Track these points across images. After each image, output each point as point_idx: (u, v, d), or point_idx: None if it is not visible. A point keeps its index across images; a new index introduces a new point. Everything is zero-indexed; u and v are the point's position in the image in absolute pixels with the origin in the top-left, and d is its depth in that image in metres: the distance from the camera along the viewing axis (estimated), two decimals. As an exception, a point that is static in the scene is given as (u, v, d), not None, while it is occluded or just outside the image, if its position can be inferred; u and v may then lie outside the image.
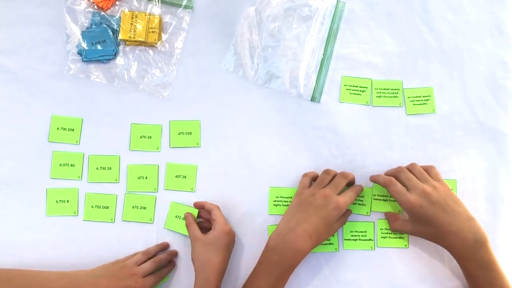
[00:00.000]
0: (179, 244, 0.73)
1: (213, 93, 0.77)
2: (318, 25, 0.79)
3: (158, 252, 0.72)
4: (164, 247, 0.73)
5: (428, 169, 0.70)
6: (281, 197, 0.74)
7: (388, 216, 0.73)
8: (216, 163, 0.75)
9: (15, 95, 0.76)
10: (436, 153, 0.75)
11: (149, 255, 0.71)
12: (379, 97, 0.77)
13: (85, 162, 0.75)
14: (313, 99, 0.77)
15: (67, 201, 0.73)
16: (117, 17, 0.78)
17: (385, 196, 0.74)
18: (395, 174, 0.69)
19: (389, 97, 0.77)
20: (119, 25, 0.77)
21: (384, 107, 0.77)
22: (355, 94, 0.77)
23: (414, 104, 0.77)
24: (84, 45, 0.76)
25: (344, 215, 0.70)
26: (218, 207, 0.72)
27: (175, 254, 0.73)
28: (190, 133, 0.76)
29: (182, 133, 0.76)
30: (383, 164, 0.75)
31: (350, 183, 0.72)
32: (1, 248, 0.72)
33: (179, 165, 0.75)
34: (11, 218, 0.73)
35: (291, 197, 0.73)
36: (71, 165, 0.74)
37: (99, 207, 0.73)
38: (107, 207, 0.73)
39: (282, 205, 0.74)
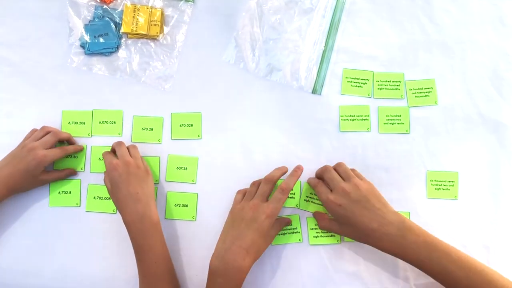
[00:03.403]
0: (182, 234, 0.73)
1: (214, 85, 0.77)
2: (319, 17, 0.79)
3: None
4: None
5: (352, 170, 0.70)
6: (281, 189, 0.74)
7: (316, 215, 0.72)
8: (217, 155, 0.75)
9: (18, 88, 0.77)
10: (438, 145, 0.75)
11: (49, 129, 0.72)
12: (380, 89, 0.77)
13: (88, 153, 0.75)
14: (314, 91, 0.77)
15: (70, 192, 0.74)
16: (119, 10, 0.78)
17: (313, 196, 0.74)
18: (322, 173, 0.70)
19: (391, 89, 0.77)
20: (121, 18, 0.77)
21: (386, 99, 0.77)
22: (356, 86, 0.77)
23: (416, 96, 0.77)
24: (87, 38, 0.77)
25: (278, 222, 0.70)
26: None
27: (80, 147, 0.74)
28: (191, 125, 0.76)
29: (184, 125, 0.76)
30: (384, 156, 0.75)
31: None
32: (5, 240, 0.72)
33: (180, 157, 0.75)
34: (14, 209, 0.73)
35: (291, 190, 0.73)
36: (74, 156, 0.75)
37: (101, 198, 0.74)
38: (109, 198, 0.74)
39: (283, 197, 0.74)
